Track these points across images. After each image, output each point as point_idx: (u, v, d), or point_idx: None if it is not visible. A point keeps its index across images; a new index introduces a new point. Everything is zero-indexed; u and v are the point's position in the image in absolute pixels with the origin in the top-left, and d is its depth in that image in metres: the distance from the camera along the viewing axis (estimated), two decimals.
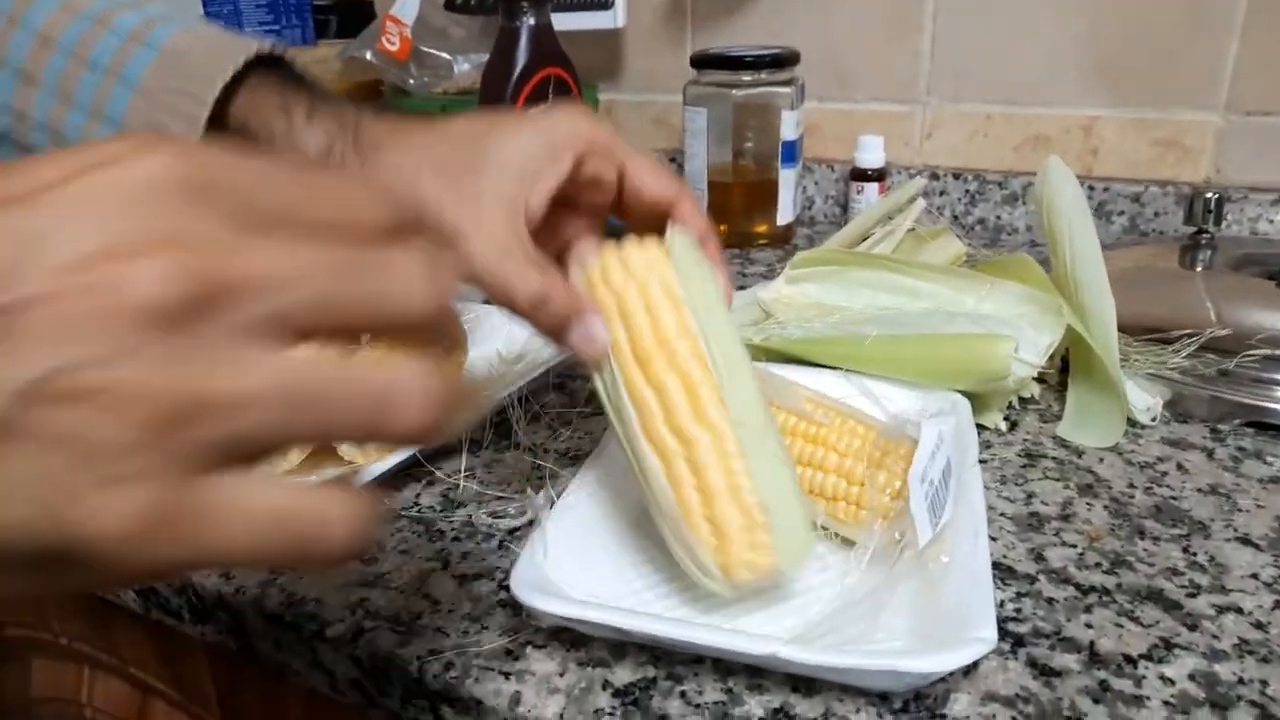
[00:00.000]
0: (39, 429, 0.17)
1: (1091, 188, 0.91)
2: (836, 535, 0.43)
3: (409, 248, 0.21)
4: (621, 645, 0.38)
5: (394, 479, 0.51)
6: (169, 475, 0.18)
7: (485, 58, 0.80)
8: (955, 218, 0.99)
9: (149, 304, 0.17)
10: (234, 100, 0.40)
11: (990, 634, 0.34)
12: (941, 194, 0.99)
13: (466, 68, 1.03)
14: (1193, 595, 0.41)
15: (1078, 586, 0.42)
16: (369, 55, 1.03)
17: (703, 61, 0.92)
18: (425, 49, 1.03)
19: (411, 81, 1.03)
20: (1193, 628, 0.39)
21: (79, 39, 0.40)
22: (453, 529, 0.47)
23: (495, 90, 0.77)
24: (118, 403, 0.17)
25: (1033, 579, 0.42)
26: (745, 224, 0.95)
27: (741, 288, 0.79)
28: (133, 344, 0.17)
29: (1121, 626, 0.39)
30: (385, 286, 0.21)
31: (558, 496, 0.45)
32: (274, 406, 0.19)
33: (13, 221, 0.17)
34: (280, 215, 0.20)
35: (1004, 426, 0.55)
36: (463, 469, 0.51)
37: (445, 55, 1.03)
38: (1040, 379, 0.58)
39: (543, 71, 0.78)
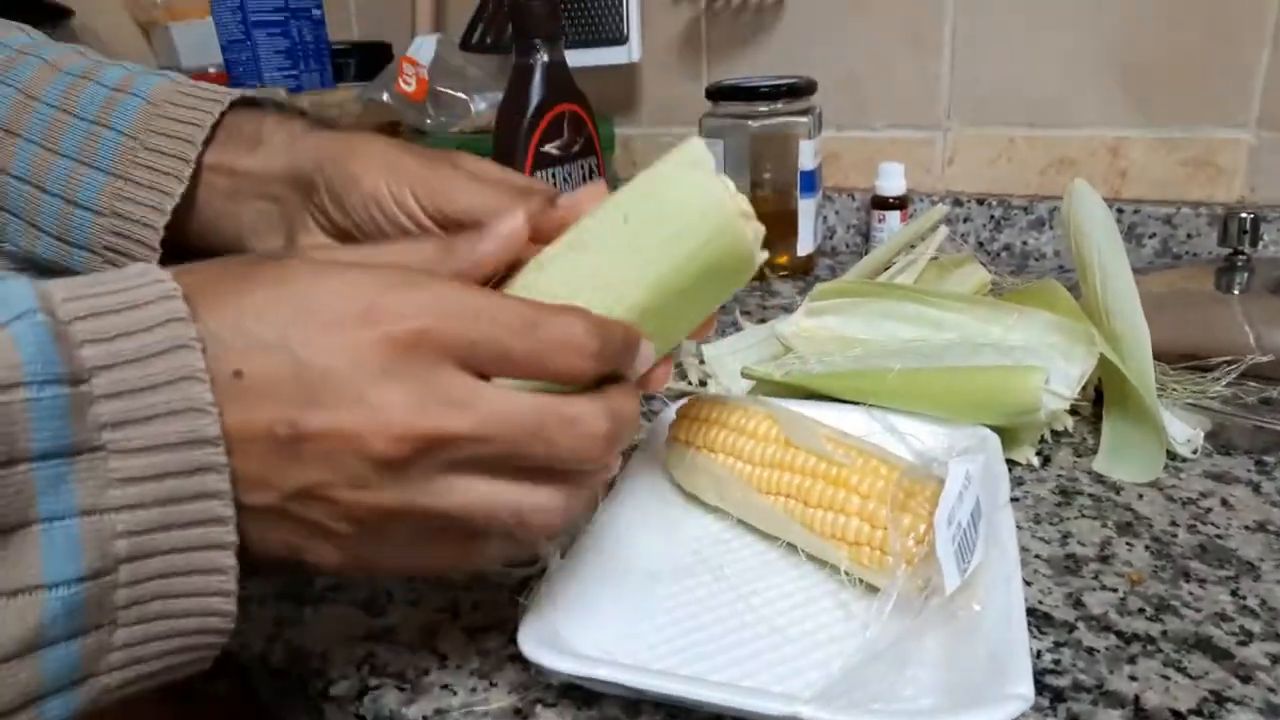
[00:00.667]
0: (298, 513, 0.28)
1: (1121, 210, 0.88)
2: (860, 582, 0.41)
3: (599, 406, 0.30)
4: (636, 703, 0.36)
5: None
6: (364, 542, 0.29)
7: (501, 96, 0.80)
8: (980, 244, 0.97)
9: (382, 456, 0.27)
10: (221, 125, 0.41)
11: (1027, 689, 0.32)
12: (965, 220, 0.97)
13: (483, 106, 1.03)
14: (1244, 643, 0.38)
15: (1120, 635, 0.39)
16: (386, 97, 1.04)
17: (718, 93, 0.91)
18: (442, 89, 1.03)
19: (429, 121, 1.03)
20: (1246, 679, 0.36)
21: (64, 92, 0.40)
22: (463, 577, 0.45)
23: (510, 128, 0.77)
24: (347, 509, 0.28)
25: (1071, 627, 0.40)
26: None
27: (761, 320, 0.78)
28: (367, 477, 0.27)
29: (1168, 679, 0.36)
30: (568, 444, 0.29)
31: (570, 544, 0.44)
32: (457, 518, 0.29)
33: (310, 358, 0.26)
34: (502, 362, 0.28)
35: (1036, 462, 0.53)
36: None
37: (462, 95, 1.03)
38: (1073, 411, 0.56)
39: (557, 108, 0.77)
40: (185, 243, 0.41)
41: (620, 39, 1.00)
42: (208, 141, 0.40)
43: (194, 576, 0.27)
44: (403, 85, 1.02)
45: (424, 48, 1.05)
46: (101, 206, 0.39)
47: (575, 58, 0.87)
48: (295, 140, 0.41)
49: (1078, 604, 0.41)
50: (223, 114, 0.40)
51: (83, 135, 0.39)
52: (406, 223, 0.38)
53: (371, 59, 1.20)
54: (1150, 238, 0.89)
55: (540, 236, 0.36)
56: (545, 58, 0.76)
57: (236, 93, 0.41)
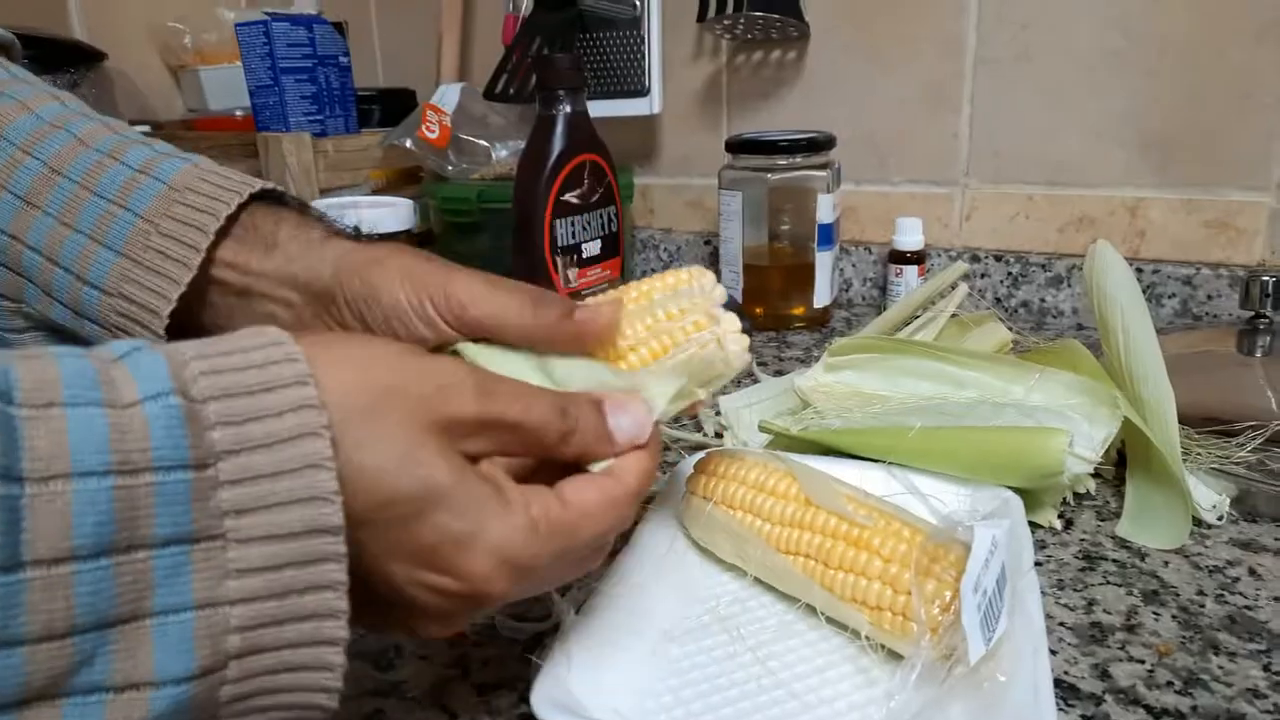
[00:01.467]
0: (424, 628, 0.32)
1: (1140, 269, 0.88)
2: (881, 647, 0.40)
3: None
4: None
5: None
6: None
7: (523, 144, 0.81)
8: (998, 300, 0.96)
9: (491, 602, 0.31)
10: (239, 220, 0.41)
11: None
12: (983, 276, 0.96)
13: (504, 154, 1.04)
14: None
15: (1149, 709, 0.38)
16: (409, 143, 1.05)
17: (738, 146, 0.91)
18: (464, 136, 1.04)
19: (450, 168, 1.04)
20: None
21: (88, 169, 0.40)
22: (474, 632, 0.45)
23: (531, 176, 0.78)
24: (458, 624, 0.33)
25: (1098, 699, 0.39)
26: (781, 306, 0.94)
27: (778, 372, 0.77)
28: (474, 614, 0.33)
29: None
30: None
31: (584, 599, 0.43)
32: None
33: (454, 526, 0.29)
34: (574, 552, 0.33)
35: (1058, 525, 0.52)
36: None
37: (483, 142, 1.05)
38: (1095, 473, 0.55)
39: (578, 158, 0.78)
40: (198, 330, 0.41)
41: (642, 91, 1.01)
42: (223, 233, 0.40)
43: (302, 673, 0.26)
44: (426, 131, 1.03)
45: (448, 95, 1.06)
46: (109, 286, 0.39)
47: (597, 108, 0.88)
48: (311, 248, 0.41)
49: (1104, 675, 0.40)
50: (241, 206, 0.40)
51: (99, 213, 0.39)
52: (425, 331, 0.38)
53: (396, 105, 1.22)
54: (1170, 298, 0.88)
55: (554, 346, 0.38)
56: (568, 108, 0.77)
57: (258, 184, 0.41)
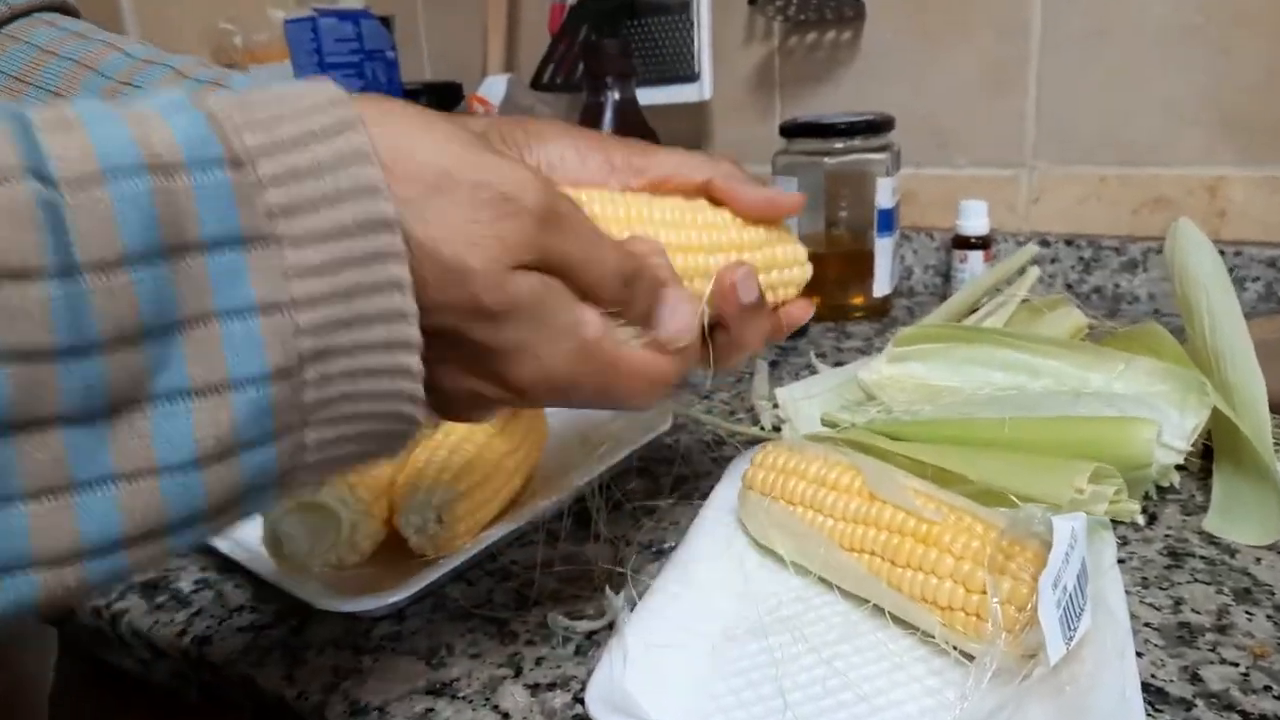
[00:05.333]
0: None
1: (1221, 251, 0.83)
2: (954, 648, 0.38)
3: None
4: None
5: (467, 573, 0.48)
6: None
7: None
8: (1068, 286, 0.92)
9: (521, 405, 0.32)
10: None
11: None
12: (1053, 261, 0.93)
13: None
14: None
15: (1245, 715, 0.35)
16: None
17: (792, 130, 0.89)
18: None
19: None
20: None
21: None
22: (527, 630, 0.43)
23: None
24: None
25: (1189, 704, 0.36)
26: (840, 296, 0.91)
27: (838, 363, 0.75)
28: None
29: None
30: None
31: (639, 597, 0.41)
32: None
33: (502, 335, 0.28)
34: (613, 391, 0.32)
35: (1142, 520, 0.49)
36: (539, 562, 0.48)
37: None
38: (1179, 466, 0.52)
39: None
40: None
41: (692, 76, 0.99)
42: None
43: (382, 379, 0.26)
44: None
45: (494, 87, 1.05)
46: None
47: (646, 95, 0.87)
48: (457, 115, 0.42)
49: (1195, 678, 0.38)
50: None
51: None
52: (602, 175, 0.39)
53: (443, 98, 1.21)
54: (1253, 281, 0.84)
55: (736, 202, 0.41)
56: (616, 95, 0.76)
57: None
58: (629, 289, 0.31)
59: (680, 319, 0.34)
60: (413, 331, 0.25)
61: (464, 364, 0.29)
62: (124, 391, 0.21)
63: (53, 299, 0.20)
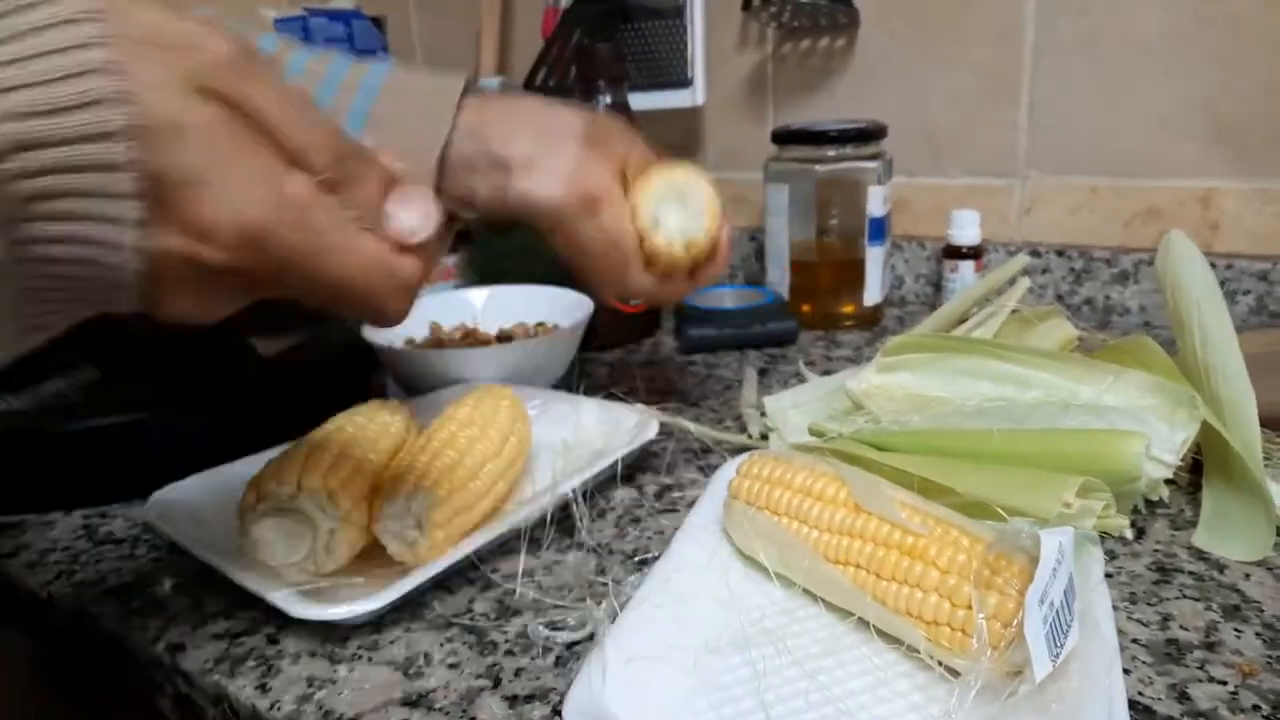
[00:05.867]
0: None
1: (1213, 264, 0.83)
2: (939, 664, 0.38)
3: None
4: None
5: (446, 581, 0.47)
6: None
7: None
8: (1059, 297, 0.92)
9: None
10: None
11: None
12: (1044, 272, 0.92)
13: None
14: None
15: None
16: None
17: (785, 137, 0.89)
18: None
19: None
20: None
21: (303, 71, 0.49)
22: (506, 641, 0.43)
23: None
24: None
25: None
26: (831, 305, 0.91)
27: (826, 372, 0.74)
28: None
29: None
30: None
31: (621, 608, 0.41)
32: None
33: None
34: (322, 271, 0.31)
35: (1130, 534, 0.49)
36: (520, 572, 0.47)
37: None
38: (1169, 479, 0.52)
39: None
40: None
41: (685, 82, 0.99)
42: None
43: (88, 175, 0.25)
44: None
45: (486, 88, 1.05)
46: None
47: (639, 100, 0.86)
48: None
49: (1183, 697, 0.37)
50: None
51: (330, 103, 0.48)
52: None
53: None
54: (1244, 294, 0.83)
55: None
56: (608, 99, 0.75)
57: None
58: (343, 168, 0.31)
59: (414, 212, 0.33)
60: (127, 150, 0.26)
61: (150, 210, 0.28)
62: None
63: None
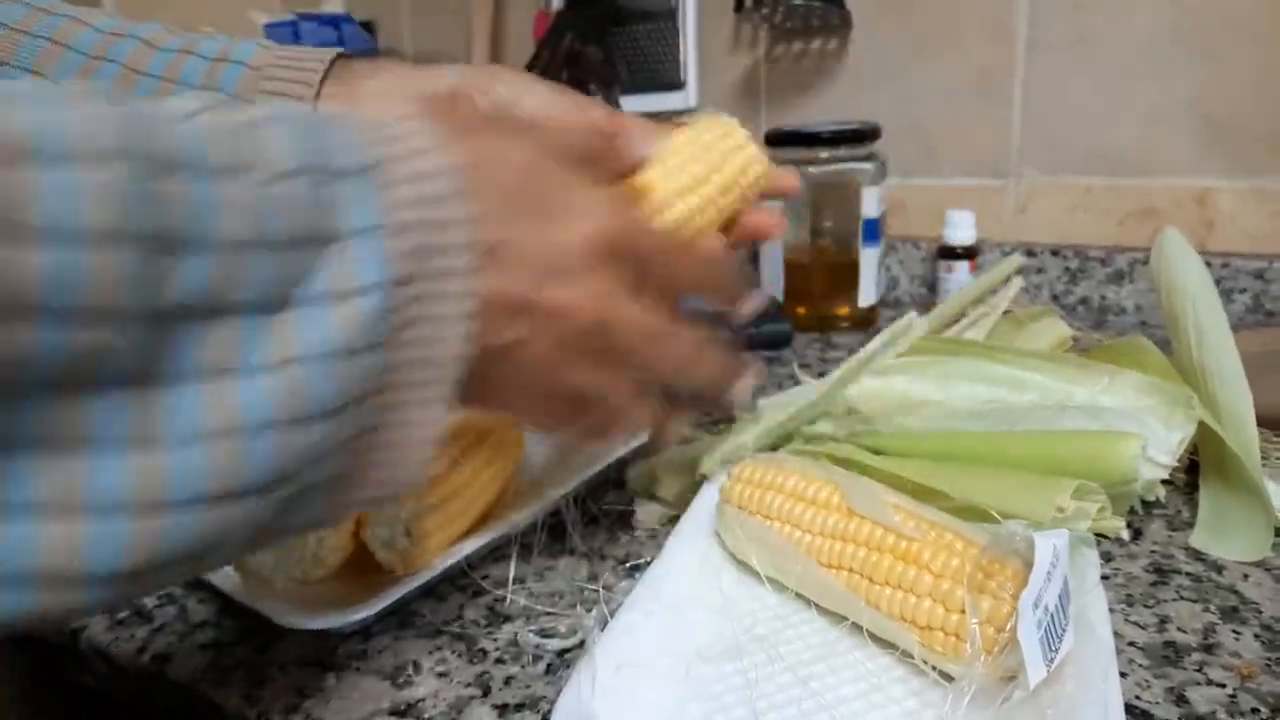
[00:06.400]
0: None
1: (1209, 263, 0.83)
2: (933, 669, 0.37)
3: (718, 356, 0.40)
4: None
5: (436, 588, 0.47)
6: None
7: None
8: (1054, 297, 0.92)
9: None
10: (331, 73, 0.45)
11: None
12: (1039, 271, 0.92)
13: None
14: None
15: None
16: None
17: (778, 138, 0.88)
18: None
19: None
20: None
21: (168, 65, 0.44)
22: (497, 648, 0.42)
23: None
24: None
25: None
26: (825, 306, 0.90)
27: (821, 374, 0.74)
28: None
29: None
30: (693, 371, 0.39)
31: (612, 614, 0.40)
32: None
33: (543, 235, 0.31)
34: (658, 285, 0.35)
35: (1127, 535, 0.48)
36: (511, 578, 0.47)
37: None
38: (1166, 480, 0.51)
39: None
40: None
41: (677, 84, 0.99)
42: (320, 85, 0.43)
43: (444, 302, 0.28)
44: None
45: None
46: None
47: (631, 102, 0.86)
48: (419, 69, 0.44)
49: (1181, 700, 0.37)
50: (328, 67, 0.44)
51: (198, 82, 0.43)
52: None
53: None
54: (1240, 293, 0.83)
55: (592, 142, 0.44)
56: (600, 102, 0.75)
57: (334, 51, 0.45)
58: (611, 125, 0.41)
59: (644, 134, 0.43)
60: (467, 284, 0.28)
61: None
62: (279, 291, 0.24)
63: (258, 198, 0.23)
